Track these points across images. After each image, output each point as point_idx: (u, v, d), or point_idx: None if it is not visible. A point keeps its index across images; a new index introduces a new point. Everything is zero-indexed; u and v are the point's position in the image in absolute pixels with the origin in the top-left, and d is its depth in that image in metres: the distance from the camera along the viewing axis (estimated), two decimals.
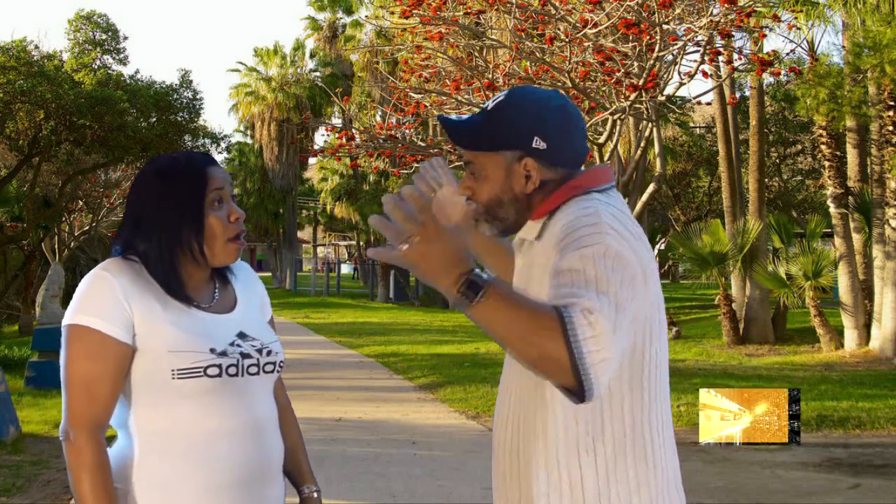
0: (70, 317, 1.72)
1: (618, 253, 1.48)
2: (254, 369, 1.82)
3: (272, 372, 1.87)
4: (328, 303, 29.24)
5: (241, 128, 38.51)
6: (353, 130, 10.48)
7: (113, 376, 1.71)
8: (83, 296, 1.73)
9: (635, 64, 8.06)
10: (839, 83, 11.93)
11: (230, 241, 1.82)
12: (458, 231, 1.47)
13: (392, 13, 10.33)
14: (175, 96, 14.60)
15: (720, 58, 8.82)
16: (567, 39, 7.92)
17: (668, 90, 9.19)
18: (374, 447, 7.00)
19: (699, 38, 8.03)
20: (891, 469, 6.30)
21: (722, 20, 7.69)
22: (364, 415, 8.47)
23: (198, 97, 15.00)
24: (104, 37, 15.84)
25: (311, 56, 36.26)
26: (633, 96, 8.04)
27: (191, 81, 14.92)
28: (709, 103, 15.28)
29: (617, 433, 1.57)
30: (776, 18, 8.71)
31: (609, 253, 1.47)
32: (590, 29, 7.56)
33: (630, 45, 8.08)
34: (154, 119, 14.48)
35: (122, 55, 16.03)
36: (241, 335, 1.83)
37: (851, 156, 13.38)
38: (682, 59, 8.54)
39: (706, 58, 8.28)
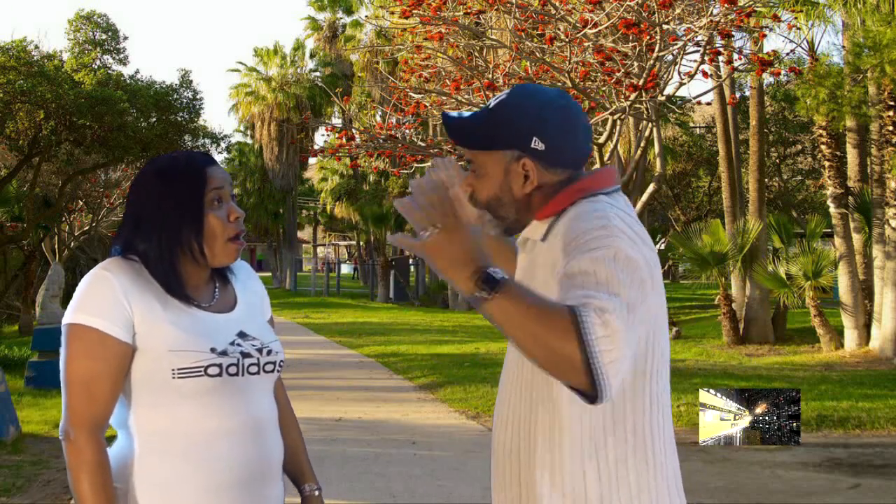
0: (70, 316, 1.72)
1: (627, 256, 1.48)
2: (254, 369, 1.82)
3: (272, 371, 1.87)
4: (328, 303, 29.24)
5: (241, 128, 38.57)
6: (353, 130, 10.48)
7: (113, 375, 1.71)
8: (83, 295, 1.73)
9: (635, 64, 8.06)
10: (839, 83, 11.93)
11: (230, 241, 1.82)
12: (475, 228, 1.48)
13: (392, 13, 10.33)
14: (175, 96, 14.61)
15: (720, 58, 8.82)
16: (567, 39, 7.91)
17: (668, 90, 9.20)
18: (374, 447, 7.00)
19: (699, 38, 8.03)
20: (891, 469, 6.30)
21: (722, 20, 7.69)
22: (364, 415, 8.47)
23: (198, 97, 15.01)
24: (104, 37, 15.84)
25: (311, 56, 36.29)
26: (633, 96, 8.03)
27: (191, 81, 14.94)
28: (709, 103, 15.28)
29: (619, 437, 1.57)
30: (776, 18, 8.71)
31: (619, 256, 1.47)
32: (590, 29, 7.56)
33: (630, 45, 8.07)
34: (154, 119, 14.49)
35: (122, 55, 16.04)
36: (242, 335, 1.83)
37: (851, 156, 13.39)
38: (682, 59, 8.54)
39: (706, 58, 8.28)
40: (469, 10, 8.41)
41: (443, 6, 8.22)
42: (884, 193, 12.25)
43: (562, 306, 1.37)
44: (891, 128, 12.14)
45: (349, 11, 34.83)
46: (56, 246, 21.14)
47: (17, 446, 6.88)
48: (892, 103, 12.06)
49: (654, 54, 7.81)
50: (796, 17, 11.01)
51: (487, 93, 8.34)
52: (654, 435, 1.60)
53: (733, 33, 8.26)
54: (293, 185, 37.50)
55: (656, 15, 7.57)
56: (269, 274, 44.29)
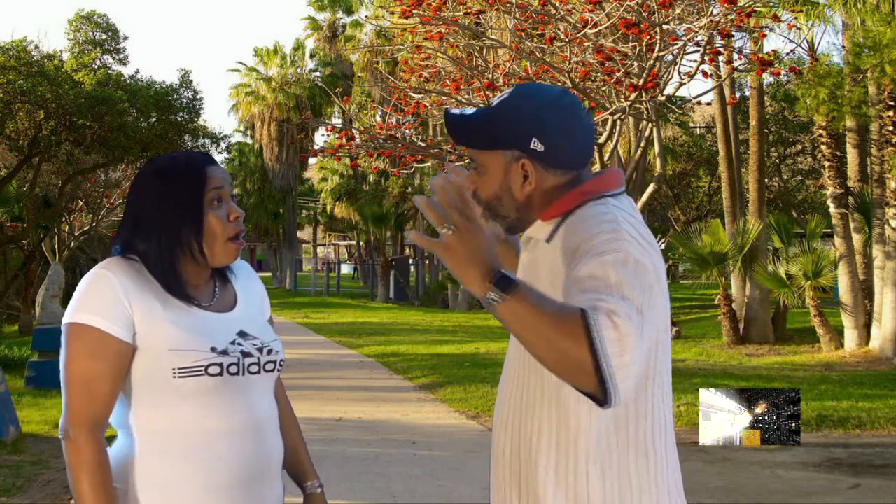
0: (70, 315, 1.72)
1: (637, 260, 1.48)
2: (255, 368, 1.82)
3: (273, 371, 1.87)
4: (328, 303, 29.24)
5: (241, 128, 38.58)
6: (353, 130, 10.47)
7: (113, 375, 1.71)
8: (83, 294, 1.73)
9: (635, 64, 8.06)
10: (839, 83, 11.93)
11: (230, 241, 1.82)
12: (490, 231, 1.50)
13: (392, 13, 10.33)
14: (175, 96, 14.61)
15: (720, 58, 8.82)
16: (567, 39, 7.92)
17: (668, 90, 9.20)
18: (374, 447, 7.00)
19: (699, 38, 8.03)
20: (891, 469, 6.30)
21: (722, 20, 7.69)
22: (364, 415, 8.47)
23: (198, 97, 15.01)
24: (104, 37, 15.83)
25: (311, 56, 36.29)
26: (633, 96, 8.03)
27: (191, 81, 14.94)
28: (709, 103, 15.28)
29: (623, 439, 1.58)
30: (776, 18, 8.71)
31: (629, 260, 1.47)
32: (590, 29, 7.56)
33: (630, 45, 8.08)
34: (154, 119, 14.49)
35: (122, 55, 16.04)
36: (242, 334, 1.83)
37: (851, 156, 13.39)
38: (682, 59, 8.54)
39: (706, 58, 8.28)
40: (469, 10, 8.41)
41: (443, 6, 8.22)
42: (884, 193, 12.25)
43: (573, 309, 1.37)
44: (891, 128, 12.14)
45: (349, 11, 34.84)
46: (56, 246, 21.14)
47: (17, 446, 6.88)
48: (892, 103, 12.06)
49: (654, 54, 7.81)
50: (796, 17, 11.01)
51: (487, 93, 8.35)
52: (657, 437, 1.60)
53: (733, 33, 8.26)
54: (293, 185, 37.50)
55: (656, 15, 7.57)
56: (269, 274, 44.29)
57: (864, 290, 12.90)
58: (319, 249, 52.25)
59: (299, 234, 47.13)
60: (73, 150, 15.03)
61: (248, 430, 1.78)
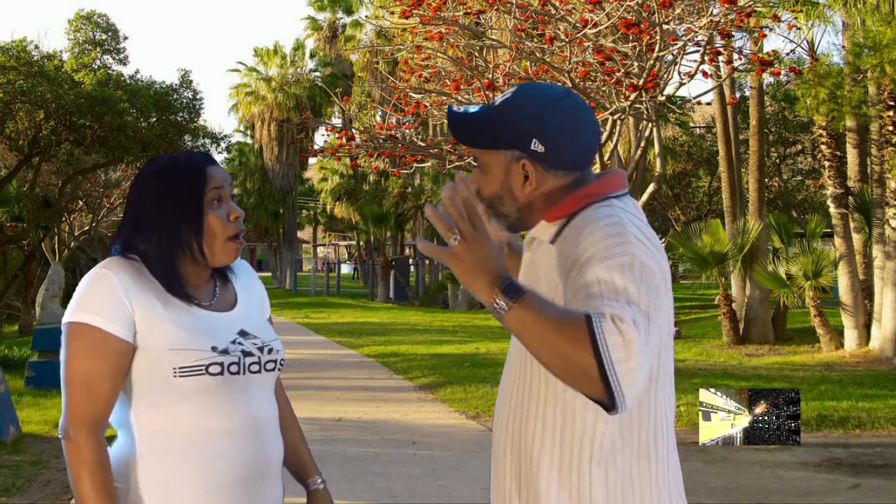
0: (70, 314, 1.72)
1: (643, 263, 1.47)
2: (255, 367, 1.82)
3: (273, 370, 1.87)
4: (328, 303, 29.24)
5: (241, 128, 38.58)
6: (353, 130, 10.47)
7: (113, 374, 1.71)
8: (83, 294, 1.73)
9: (635, 64, 8.05)
10: (839, 83, 11.94)
11: (230, 241, 1.82)
12: (497, 240, 1.51)
13: (392, 13, 10.33)
14: (175, 96, 14.60)
15: (720, 58, 8.81)
16: (567, 39, 7.91)
17: (668, 90, 9.19)
18: (374, 447, 7.00)
19: (699, 38, 8.02)
20: (891, 469, 6.30)
21: (722, 20, 7.69)
22: (364, 415, 8.47)
23: (198, 97, 15.01)
24: (104, 37, 15.83)
25: (311, 56, 36.29)
26: (633, 96, 8.03)
27: (191, 81, 14.93)
28: (709, 103, 15.28)
29: (627, 442, 1.57)
30: (776, 18, 8.71)
31: (635, 263, 1.46)
32: (590, 29, 7.56)
33: (630, 45, 8.07)
34: (154, 119, 14.48)
35: (122, 55, 16.04)
36: (243, 333, 1.83)
37: (851, 156, 13.39)
38: (682, 59, 8.53)
39: (706, 58, 8.27)
40: (469, 10, 8.40)
41: (443, 6, 8.22)
42: (884, 193, 12.25)
43: (578, 315, 1.36)
44: (891, 128, 12.14)
45: (349, 11, 34.84)
46: (56, 246, 21.13)
47: (17, 446, 6.88)
48: (892, 103, 12.06)
49: (654, 54, 7.81)
50: (796, 17, 11.01)
51: (487, 93, 8.34)
52: (659, 439, 1.60)
53: (733, 33, 8.26)
54: (293, 185, 37.50)
55: (656, 15, 7.57)
56: (269, 274, 44.28)
57: (864, 290, 12.90)
58: (319, 249, 52.26)
59: (299, 234, 47.14)
60: (73, 150, 15.02)
61: (248, 430, 1.78)
